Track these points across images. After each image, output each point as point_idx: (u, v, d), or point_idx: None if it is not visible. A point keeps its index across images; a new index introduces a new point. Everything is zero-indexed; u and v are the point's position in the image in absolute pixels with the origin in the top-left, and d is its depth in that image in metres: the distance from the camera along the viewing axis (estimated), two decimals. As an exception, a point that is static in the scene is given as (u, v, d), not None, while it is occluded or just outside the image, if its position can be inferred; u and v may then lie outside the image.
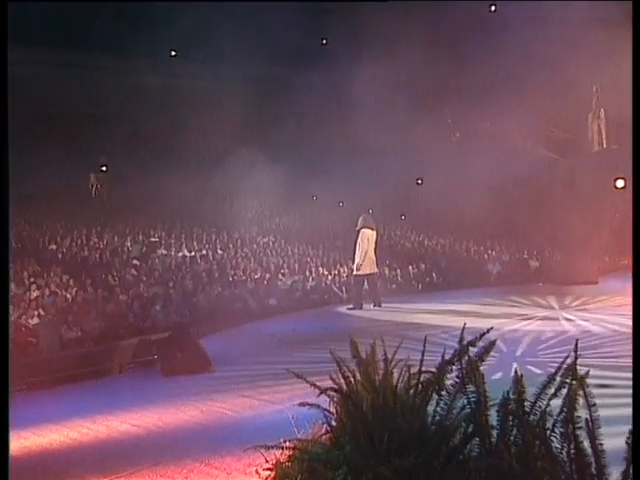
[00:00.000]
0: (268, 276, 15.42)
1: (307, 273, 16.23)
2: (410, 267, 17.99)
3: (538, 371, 6.63)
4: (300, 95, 20.67)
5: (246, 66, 22.66)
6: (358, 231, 13.86)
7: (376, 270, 14.11)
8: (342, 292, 15.54)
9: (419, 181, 24.02)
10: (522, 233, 19.03)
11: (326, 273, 16.51)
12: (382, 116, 20.28)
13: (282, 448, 3.77)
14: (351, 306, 13.66)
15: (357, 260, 13.78)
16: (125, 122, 20.56)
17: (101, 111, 21.83)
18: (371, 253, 13.76)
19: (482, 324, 7.76)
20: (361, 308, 13.48)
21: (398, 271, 17.47)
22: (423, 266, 18.20)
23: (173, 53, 25.04)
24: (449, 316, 11.85)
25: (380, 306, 13.58)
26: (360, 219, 13.95)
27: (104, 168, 23.98)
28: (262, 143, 20.20)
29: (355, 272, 13.95)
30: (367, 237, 13.70)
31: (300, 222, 21.70)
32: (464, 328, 3.71)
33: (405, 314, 12.55)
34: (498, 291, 15.24)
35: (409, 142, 21.15)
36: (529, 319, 11.12)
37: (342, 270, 16.78)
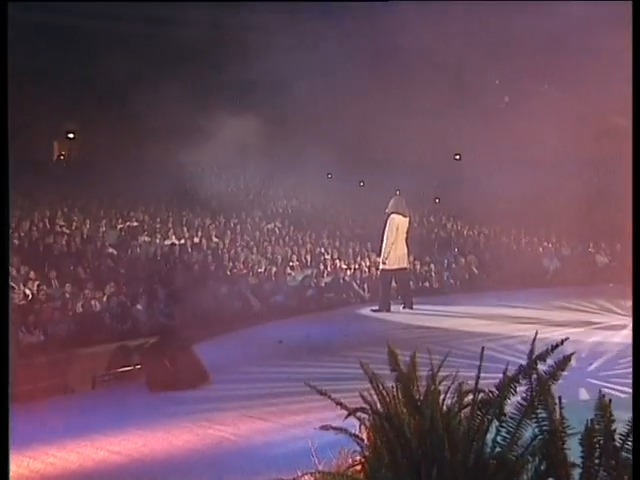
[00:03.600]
0: (274, 270, 15.39)
1: (321, 267, 16.19)
2: (447, 261, 17.93)
3: (620, 394, 6.53)
4: (312, 50, 20.55)
5: (250, 11, 22.47)
6: (387, 216, 13.82)
7: (407, 265, 14.08)
8: (364, 290, 15.49)
9: (457, 157, 23.91)
10: (587, 221, 18.85)
11: (344, 267, 16.46)
12: (412, 75, 20.12)
13: (301, 483, 3.71)
14: (376, 307, 13.64)
15: (384, 252, 13.74)
16: (97, 80, 20.49)
17: (67, 67, 21.74)
18: (401, 244, 13.73)
19: (541, 333, 7.69)
20: (389, 310, 13.47)
21: (432, 266, 17.40)
22: (463, 260, 18.12)
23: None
24: (497, 322, 11.80)
25: (411, 308, 13.55)
26: (391, 202, 13.94)
27: (71, 135, 23.96)
28: (266, 107, 20.10)
29: (381, 266, 13.92)
30: (397, 225, 13.67)
31: (312, 205, 21.63)
32: (535, 338, 3.62)
33: (442, 318, 12.54)
34: (556, 293, 15.17)
35: (446, 109, 20.97)
36: (598, 327, 11.01)
37: (364, 263, 16.74)
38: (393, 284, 14.00)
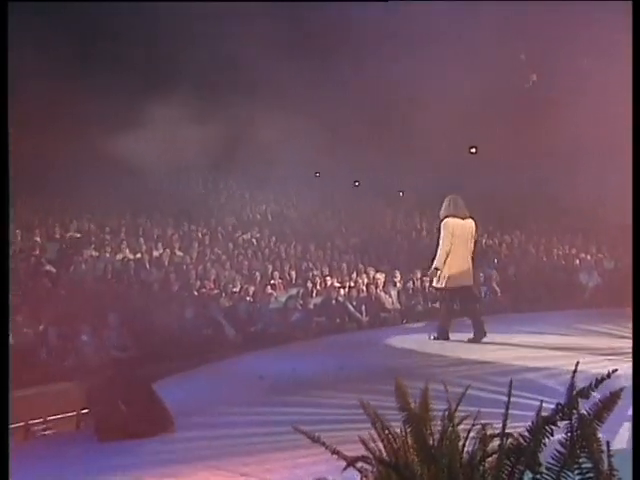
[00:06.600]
0: (252, 289, 15.47)
1: (309, 285, 16.22)
2: (483, 275, 17.96)
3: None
4: (304, 20, 20.67)
5: None
6: (440, 222, 13.32)
7: (470, 282, 13.56)
8: (362, 313, 15.51)
9: (473, 149, 24.01)
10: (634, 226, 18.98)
11: (337, 285, 16.48)
12: (416, 51, 20.21)
13: None
14: (435, 335, 13.22)
15: (435, 266, 13.20)
16: (33, 51, 20.44)
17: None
18: (460, 256, 13.15)
19: (580, 364, 7.69)
20: (447, 338, 13.08)
21: (444, 283, 17.45)
22: (481, 275, 18.17)
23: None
24: (524, 351, 11.82)
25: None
26: (444, 204, 13.38)
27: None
28: (242, 89, 20.14)
29: (436, 284, 13.44)
30: (451, 230, 13.06)
31: (298, 210, 21.65)
32: (576, 370, 3.62)
33: (455, 346, 12.55)
34: (597, 315, 15.17)
35: (458, 90, 21.04)
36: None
37: (361, 281, 16.76)
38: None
